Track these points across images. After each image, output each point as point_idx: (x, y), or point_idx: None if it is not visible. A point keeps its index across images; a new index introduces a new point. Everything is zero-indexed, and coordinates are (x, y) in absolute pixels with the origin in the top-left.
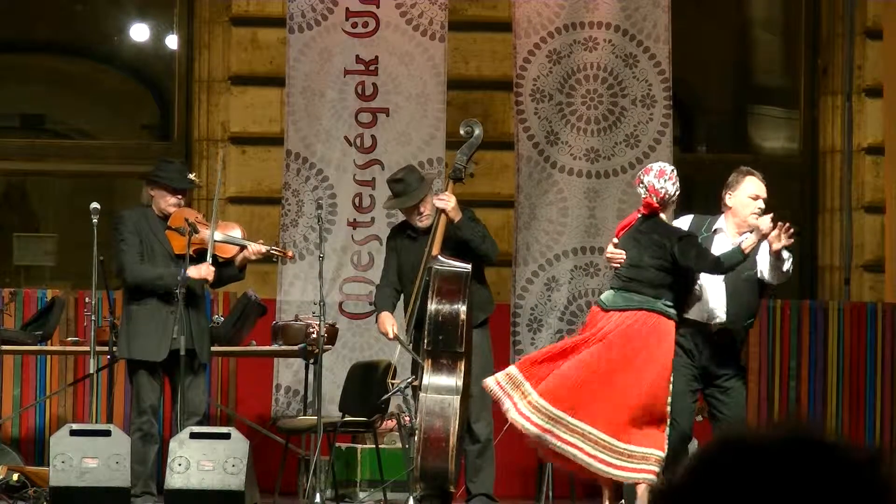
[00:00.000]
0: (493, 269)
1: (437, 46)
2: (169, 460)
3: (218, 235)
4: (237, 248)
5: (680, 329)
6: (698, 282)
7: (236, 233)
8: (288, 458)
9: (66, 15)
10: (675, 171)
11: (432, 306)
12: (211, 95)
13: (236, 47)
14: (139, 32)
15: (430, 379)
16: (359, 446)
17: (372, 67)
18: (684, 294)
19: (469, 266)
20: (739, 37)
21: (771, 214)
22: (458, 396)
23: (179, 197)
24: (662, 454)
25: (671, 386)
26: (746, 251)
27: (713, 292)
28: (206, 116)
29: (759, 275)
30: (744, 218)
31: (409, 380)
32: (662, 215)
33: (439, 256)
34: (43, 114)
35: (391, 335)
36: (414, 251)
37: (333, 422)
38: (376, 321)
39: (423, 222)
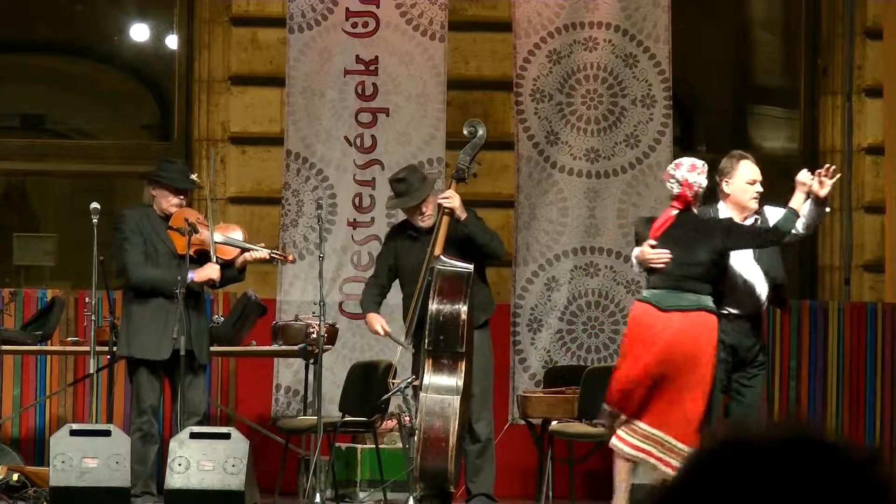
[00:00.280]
0: (493, 269)
1: (437, 46)
2: (169, 460)
3: (218, 237)
4: (237, 249)
5: (721, 323)
6: (741, 275)
7: (237, 235)
8: (288, 458)
9: (66, 15)
10: (706, 166)
11: (434, 306)
12: (211, 95)
13: (236, 47)
14: (139, 32)
15: (430, 379)
16: (359, 446)
17: (372, 67)
18: (724, 288)
19: (471, 266)
20: (739, 37)
21: (804, 169)
22: (459, 397)
23: (181, 197)
24: None
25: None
26: (799, 210)
27: (757, 282)
28: (206, 116)
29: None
30: (744, 203)
31: (410, 380)
32: (694, 209)
33: (441, 256)
34: (43, 114)
35: (383, 333)
36: (415, 251)
37: (333, 422)
38: (365, 323)
39: (425, 222)
